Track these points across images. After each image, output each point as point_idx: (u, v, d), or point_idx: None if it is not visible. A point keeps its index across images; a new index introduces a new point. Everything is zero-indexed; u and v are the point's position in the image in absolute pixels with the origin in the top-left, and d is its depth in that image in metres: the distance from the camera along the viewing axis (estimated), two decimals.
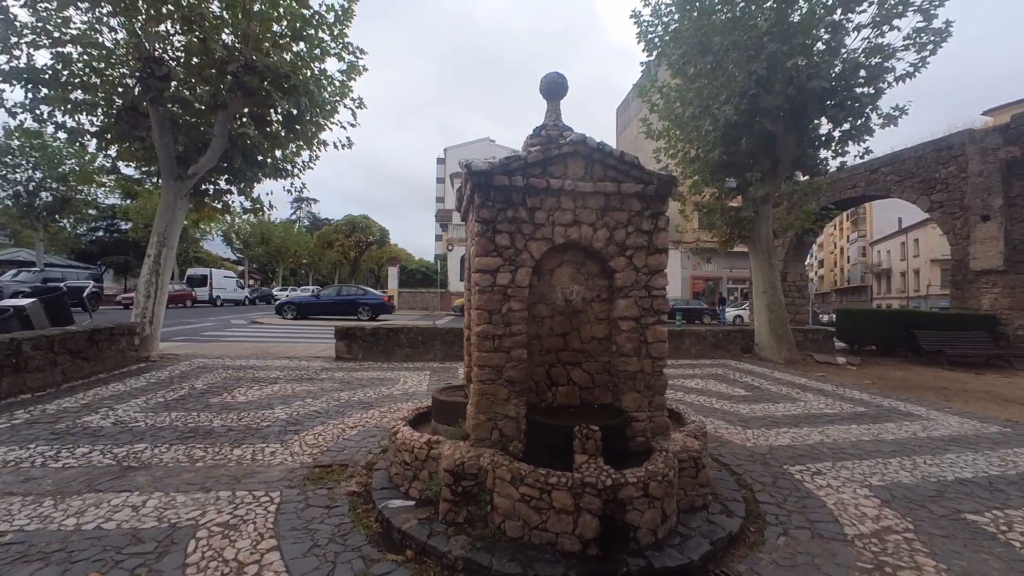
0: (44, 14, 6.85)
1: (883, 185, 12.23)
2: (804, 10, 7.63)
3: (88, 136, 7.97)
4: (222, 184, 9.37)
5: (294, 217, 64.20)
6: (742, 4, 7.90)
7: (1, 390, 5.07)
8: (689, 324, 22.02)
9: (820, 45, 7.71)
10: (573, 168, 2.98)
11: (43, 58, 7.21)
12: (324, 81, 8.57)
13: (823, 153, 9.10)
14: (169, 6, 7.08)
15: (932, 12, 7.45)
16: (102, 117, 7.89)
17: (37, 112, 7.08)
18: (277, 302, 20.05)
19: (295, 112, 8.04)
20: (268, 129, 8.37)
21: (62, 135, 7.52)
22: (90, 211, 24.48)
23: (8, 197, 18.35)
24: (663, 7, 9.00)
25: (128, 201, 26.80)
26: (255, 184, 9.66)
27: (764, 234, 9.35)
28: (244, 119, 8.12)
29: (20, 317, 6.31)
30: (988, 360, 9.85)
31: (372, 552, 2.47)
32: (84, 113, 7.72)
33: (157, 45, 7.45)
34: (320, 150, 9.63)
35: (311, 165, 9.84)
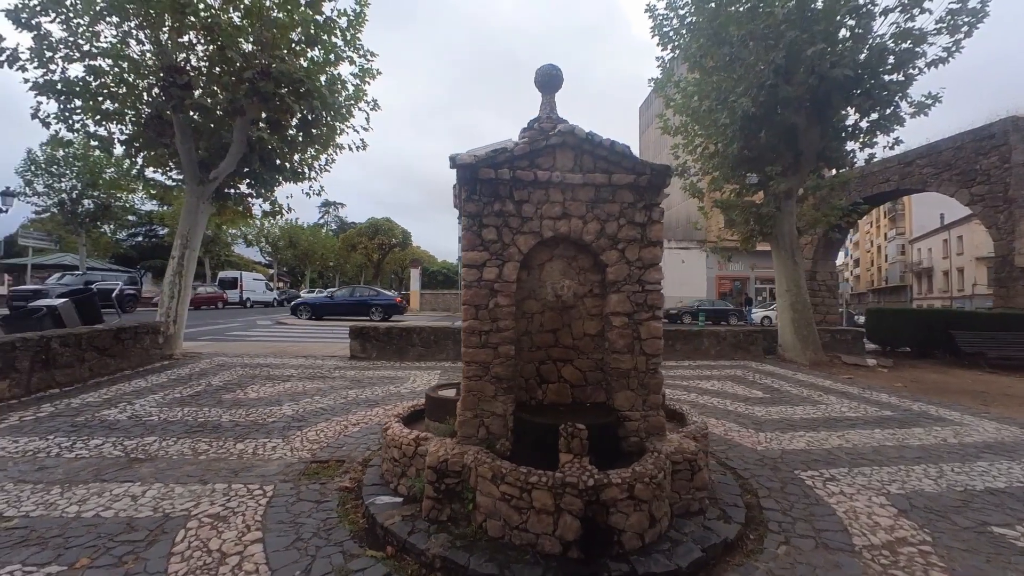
0: (77, 29, 7.22)
1: (918, 178, 11.57)
2: None
3: (118, 144, 8.35)
4: (243, 188, 9.67)
5: (322, 221, 65.86)
6: None
7: (31, 385, 5.34)
8: (715, 325, 21.43)
9: (844, 31, 7.35)
10: (562, 160, 2.90)
11: (75, 70, 7.68)
12: (337, 85, 8.72)
13: (850, 145, 8.66)
14: (191, 17, 7.36)
15: None
16: (131, 126, 8.27)
17: (70, 122, 7.46)
18: (292, 303, 20.57)
19: (310, 117, 8.22)
20: (284, 134, 8.57)
21: (93, 143, 7.90)
22: (129, 217, 25.78)
23: (54, 205, 19.58)
24: (678, 0, 8.79)
25: (164, 207, 28.10)
26: (275, 188, 9.94)
27: (787, 231, 8.97)
28: (262, 124, 8.34)
29: (53, 316, 6.67)
30: None
31: (353, 548, 2.45)
32: (114, 122, 8.09)
33: (180, 55, 7.76)
34: (336, 153, 9.83)
35: (327, 168, 10.04)
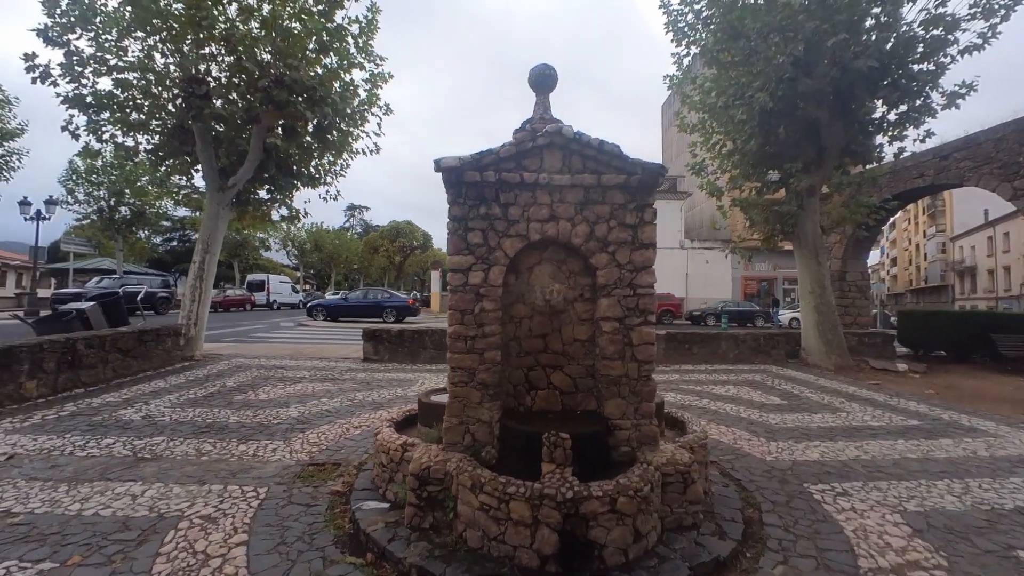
0: (105, 45, 7.56)
1: (956, 172, 10.91)
2: None
3: (144, 153, 8.71)
4: (262, 194, 9.94)
5: (347, 224, 67.24)
6: None
7: (58, 384, 5.60)
8: (740, 327, 20.79)
9: (869, 20, 6.98)
10: (550, 161, 2.84)
11: (103, 84, 8.05)
12: (349, 92, 8.86)
13: (878, 139, 8.24)
14: (212, 30, 7.61)
15: None
16: (156, 135, 8.61)
17: (99, 133, 7.82)
18: (308, 304, 21.03)
19: (323, 123, 8.38)
20: (300, 140, 8.75)
21: (119, 153, 8.25)
22: (163, 223, 26.98)
23: (93, 212, 20.69)
24: None
25: (196, 213, 29.27)
26: (292, 193, 10.18)
27: (810, 230, 8.59)
28: (278, 131, 8.55)
29: (81, 319, 6.99)
30: None
31: (334, 553, 2.44)
32: (140, 132, 8.44)
33: (201, 66, 8.03)
34: (351, 158, 10.00)
35: (342, 173, 10.21)
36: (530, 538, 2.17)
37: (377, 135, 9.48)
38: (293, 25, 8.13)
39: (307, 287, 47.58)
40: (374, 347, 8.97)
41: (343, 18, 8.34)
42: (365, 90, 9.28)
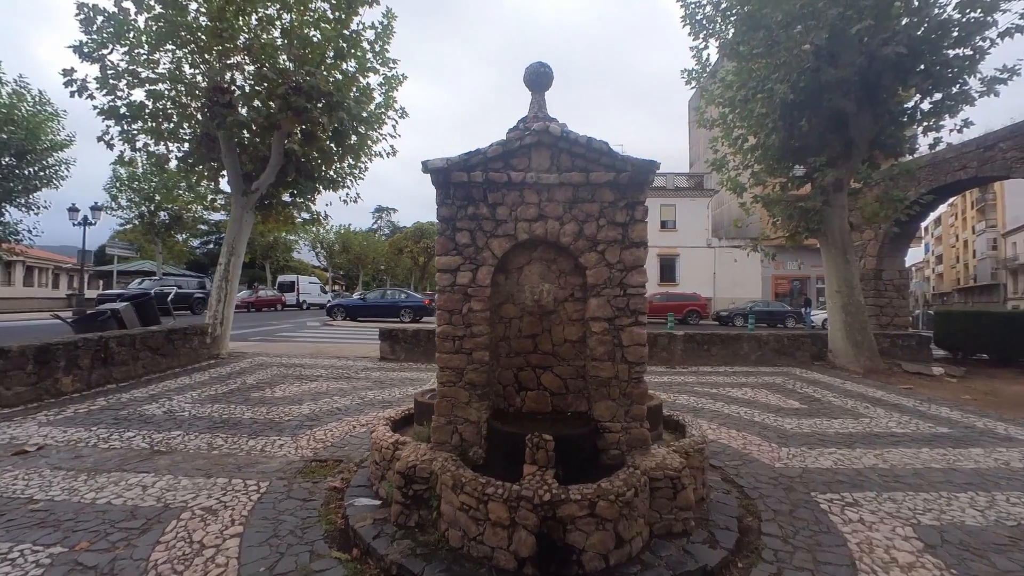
0: (138, 58, 7.97)
1: (1002, 164, 10.18)
2: None
3: (176, 160, 9.14)
4: (285, 198, 10.27)
5: (375, 226, 68.66)
6: None
7: (92, 380, 5.95)
8: (769, 328, 20.05)
9: (898, 3, 6.60)
10: (538, 160, 2.81)
11: (135, 95, 8.49)
12: (365, 96, 9.04)
13: (911, 130, 7.79)
14: (230, 42, 7.92)
15: None
16: (185, 144, 9.02)
17: (133, 143, 8.25)
18: (328, 304, 21.53)
19: (340, 127, 8.58)
20: (319, 145, 8.98)
21: (151, 161, 8.69)
22: (200, 226, 28.28)
23: (135, 217, 21.94)
24: None
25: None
26: (314, 196, 10.48)
27: (837, 226, 8.20)
28: (298, 136, 8.81)
29: (116, 318, 7.41)
30: None
31: (322, 548, 2.49)
32: (171, 141, 8.86)
33: (226, 75, 8.37)
34: (369, 161, 10.21)
35: (361, 176, 10.43)
36: (507, 539, 2.16)
37: (393, 137, 9.64)
38: (312, 34, 8.37)
39: (336, 287, 48.84)
40: (390, 346, 9.12)
41: (358, 24, 8.52)
42: (381, 93, 9.46)
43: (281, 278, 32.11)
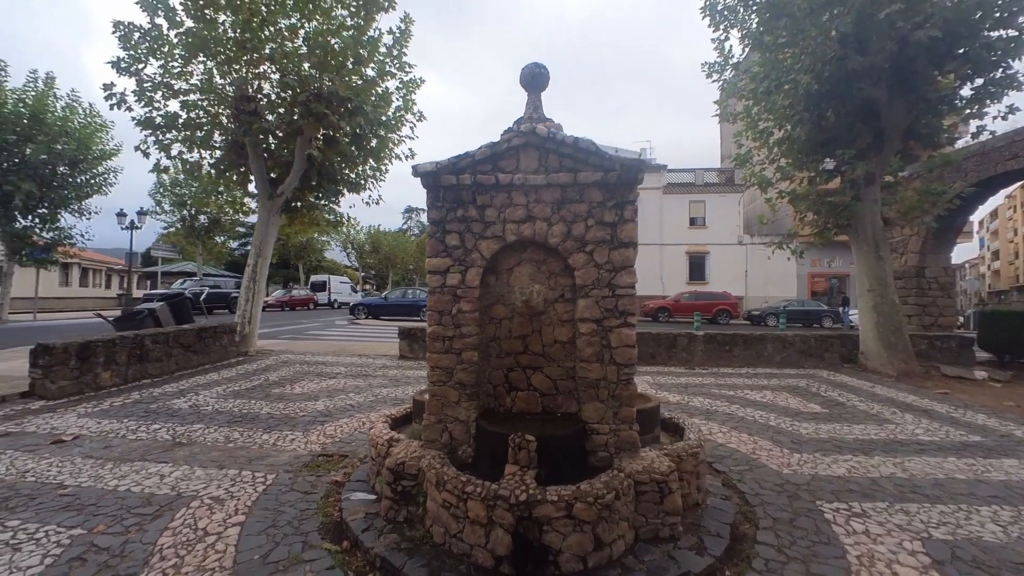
0: (172, 71, 8.43)
1: None
2: None
3: (208, 167, 9.61)
4: (311, 200, 10.62)
5: (405, 226, 69.89)
6: None
7: (128, 375, 6.36)
8: (805, 328, 19.23)
9: None
10: (526, 161, 2.82)
11: (170, 106, 8.97)
12: (384, 101, 9.23)
13: (950, 118, 7.29)
14: (261, 51, 8.25)
15: None
16: (217, 151, 9.47)
17: (168, 152, 8.73)
18: (351, 304, 22.02)
19: (360, 132, 8.81)
20: (340, 149, 9.24)
21: (185, 168, 9.17)
22: (239, 228, 29.62)
23: (177, 221, 23.26)
24: None
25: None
26: (337, 199, 10.81)
27: (869, 221, 7.78)
28: (319, 142, 9.10)
29: (153, 317, 7.88)
30: None
31: (315, 539, 2.59)
32: (204, 148, 9.32)
33: (253, 84, 8.74)
34: (390, 163, 10.43)
35: (382, 179, 10.67)
36: (485, 538, 2.19)
37: (411, 139, 9.82)
38: (333, 42, 8.62)
39: (367, 287, 50.06)
40: (409, 345, 9.30)
41: (375, 31, 8.71)
42: (399, 96, 9.65)
43: (313, 278, 33.22)
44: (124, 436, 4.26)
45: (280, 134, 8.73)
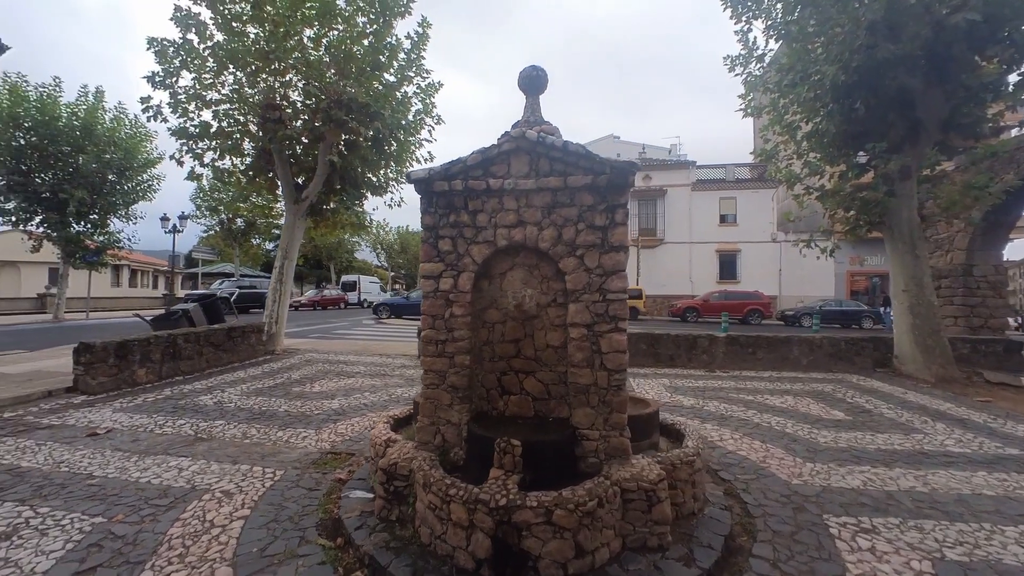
0: (204, 82, 8.85)
1: None
2: None
3: (239, 174, 10.06)
4: (334, 204, 10.96)
5: None
6: None
7: (163, 372, 6.74)
8: (844, 330, 18.34)
9: None
10: (517, 166, 2.83)
11: (203, 116, 9.42)
12: (402, 105, 9.40)
13: (994, 107, 6.78)
14: (287, 60, 8.57)
15: None
16: (247, 158, 9.89)
17: (201, 160, 9.19)
18: (374, 303, 22.46)
19: (379, 136, 9.01)
20: (361, 154, 9.47)
21: (217, 175, 9.63)
22: (275, 231, 30.82)
23: (216, 224, 24.47)
24: None
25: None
26: (361, 202, 11.10)
27: (904, 218, 7.34)
28: (341, 147, 9.37)
29: (187, 317, 8.33)
30: None
31: (312, 535, 2.70)
32: (235, 156, 9.75)
33: (279, 91, 9.07)
34: (410, 166, 10.62)
35: (403, 181, 10.87)
36: (466, 540, 2.22)
37: (429, 142, 9.97)
38: (355, 49, 8.83)
39: (396, 286, 51.10)
40: None
41: (393, 37, 8.88)
42: (419, 100, 9.81)
43: (344, 278, 34.22)
44: (151, 431, 4.52)
45: (305, 140, 9.03)
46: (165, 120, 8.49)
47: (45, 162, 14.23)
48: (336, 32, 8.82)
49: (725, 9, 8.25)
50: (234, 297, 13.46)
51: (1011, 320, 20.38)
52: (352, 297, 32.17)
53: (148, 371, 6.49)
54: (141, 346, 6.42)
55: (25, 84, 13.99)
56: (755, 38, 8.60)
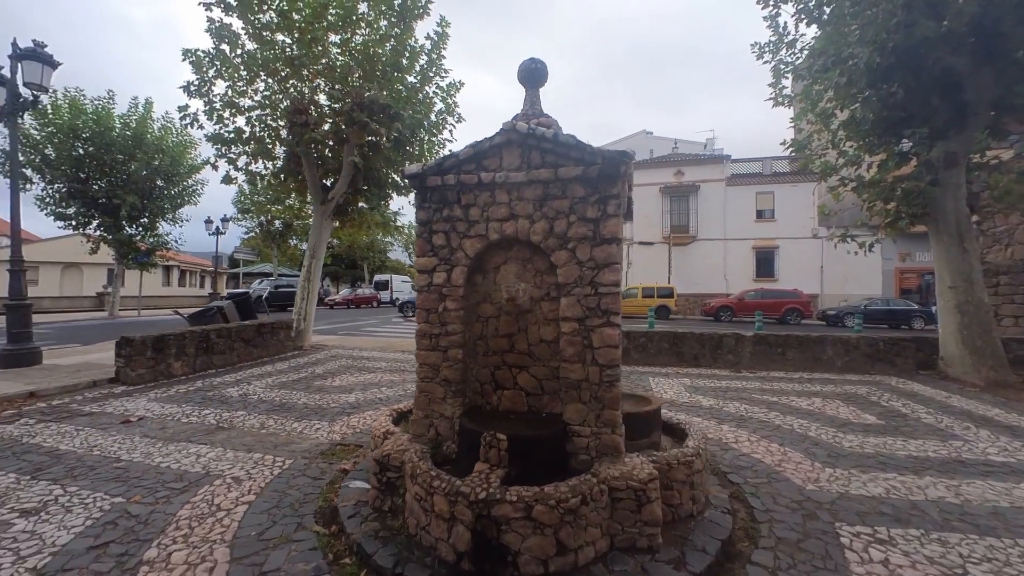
0: (239, 90, 9.28)
1: None
2: None
3: (271, 176, 10.48)
4: (360, 204, 11.25)
5: None
6: None
7: (196, 365, 7.12)
8: (891, 330, 17.22)
9: None
10: (509, 159, 2.81)
11: (236, 121, 9.92)
12: (424, 105, 9.53)
13: None
14: (314, 66, 8.87)
15: None
16: (278, 161, 10.29)
17: (236, 164, 9.64)
18: (400, 302, 22.87)
19: (399, 137, 9.18)
20: (384, 155, 9.67)
21: (250, 178, 10.07)
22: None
23: (256, 226, 25.71)
24: None
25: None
26: (386, 202, 11.35)
27: (951, 209, 6.80)
28: (365, 149, 9.59)
29: (222, 313, 8.77)
30: None
31: (309, 521, 2.78)
32: (267, 159, 10.16)
33: (309, 96, 9.39)
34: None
35: None
36: (447, 532, 2.23)
37: (450, 142, 10.08)
38: (379, 51, 9.02)
39: None
40: None
41: (414, 39, 9.02)
42: (441, 99, 9.92)
43: (377, 277, 35.10)
44: (179, 419, 4.79)
45: (330, 143, 9.32)
46: (201, 127, 8.96)
47: (101, 170, 15.36)
48: (360, 36, 9.05)
49: None
50: (266, 295, 14.06)
51: None
52: (384, 296, 32.96)
53: (183, 364, 6.87)
54: (177, 341, 6.80)
55: (82, 98, 15.14)
56: (785, 23, 8.21)
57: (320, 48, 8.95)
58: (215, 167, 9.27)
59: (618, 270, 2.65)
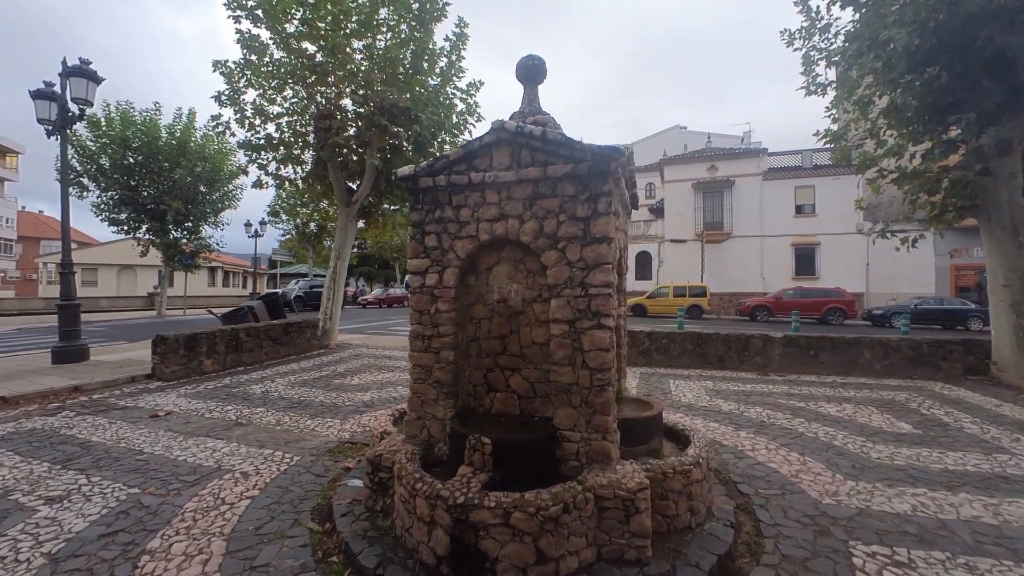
0: (268, 97, 9.65)
1: None
2: None
3: (300, 180, 10.85)
4: (384, 206, 11.48)
5: None
6: None
7: (226, 363, 7.46)
8: (946, 331, 16.02)
9: None
10: (499, 158, 2.78)
11: (266, 128, 10.31)
12: (444, 106, 9.60)
13: None
14: (339, 72, 9.10)
15: None
16: (307, 165, 10.64)
17: (266, 169, 10.04)
18: None
19: (419, 139, 9.29)
20: (405, 157, 9.81)
21: (279, 182, 10.46)
22: None
23: (292, 228, 26.77)
24: None
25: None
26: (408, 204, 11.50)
27: (1005, 200, 6.22)
28: (387, 151, 9.77)
29: (252, 313, 9.16)
30: None
31: (305, 518, 2.84)
32: (295, 164, 10.52)
33: (335, 102, 9.65)
34: None
35: None
36: (428, 536, 2.22)
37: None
38: (400, 55, 9.16)
39: None
40: None
41: (433, 43, 9.10)
42: (460, 99, 9.96)
43: (408, 277, 35.80)
44: (202, 414, 5.02)
45: (354, 146, 9.54)
46: (233, 135, 9.37)
47: (149, 177, 16.41)
48: (382, 40, 9.21)
49: None
50: (300, 295, 14.58)
51: None
52: None
53: (214, 361, 7.21)
54: (208, 339, 7.14)
55: (132, 110, 16.20)
56: (817, 6, 7.76)
57: (343, 55, 9.18)
58: (246, 173, 9.70)
59: (609, 271, 2.56)
